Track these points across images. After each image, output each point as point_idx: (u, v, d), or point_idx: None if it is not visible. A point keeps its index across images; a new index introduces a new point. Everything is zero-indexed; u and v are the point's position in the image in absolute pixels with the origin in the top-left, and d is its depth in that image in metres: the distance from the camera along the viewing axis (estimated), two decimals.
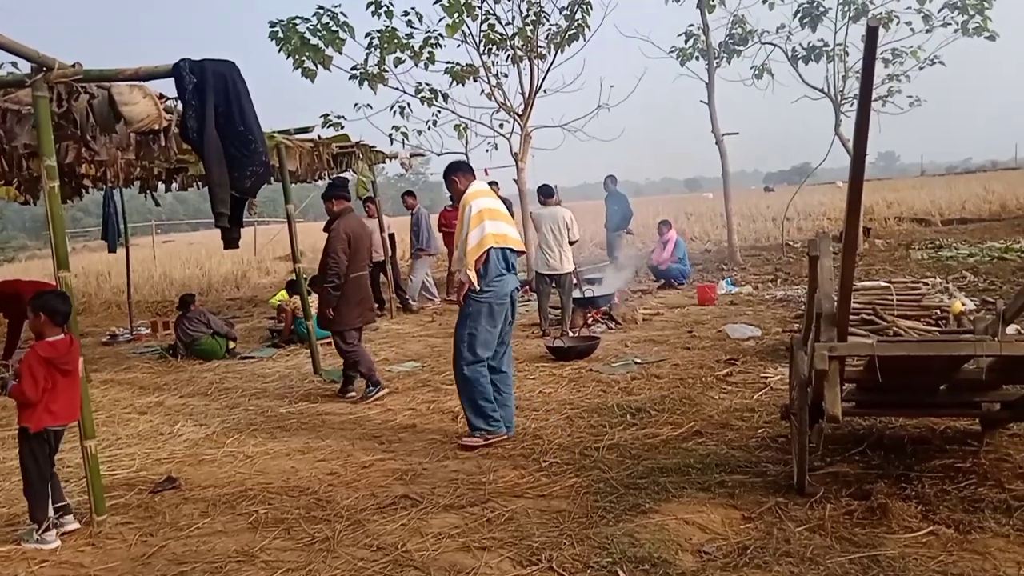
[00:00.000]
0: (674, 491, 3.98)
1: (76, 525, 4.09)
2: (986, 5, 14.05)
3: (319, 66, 11.81)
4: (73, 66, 4.05)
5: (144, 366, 8.96)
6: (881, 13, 14.50)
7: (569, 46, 12.66)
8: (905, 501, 3.59)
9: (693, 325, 8.95)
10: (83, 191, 9.45)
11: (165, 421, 6.35)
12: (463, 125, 13.23)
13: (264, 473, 4.86)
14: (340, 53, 11.86)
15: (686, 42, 15.48)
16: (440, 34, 12.16)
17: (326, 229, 6.67)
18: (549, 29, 12.69)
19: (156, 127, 4.51)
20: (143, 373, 8.56)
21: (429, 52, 12.27)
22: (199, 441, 5.70)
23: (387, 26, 12.02)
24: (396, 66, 12.33)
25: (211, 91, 4.15)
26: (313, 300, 8.13)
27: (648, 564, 3.21)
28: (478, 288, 5.02)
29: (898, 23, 14.70)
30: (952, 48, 15.34)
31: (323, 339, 8.03)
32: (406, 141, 12.95)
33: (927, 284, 4.63)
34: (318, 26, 11.60)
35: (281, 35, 11.60)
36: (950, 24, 14.42)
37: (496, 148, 13.47)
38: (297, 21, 11.60)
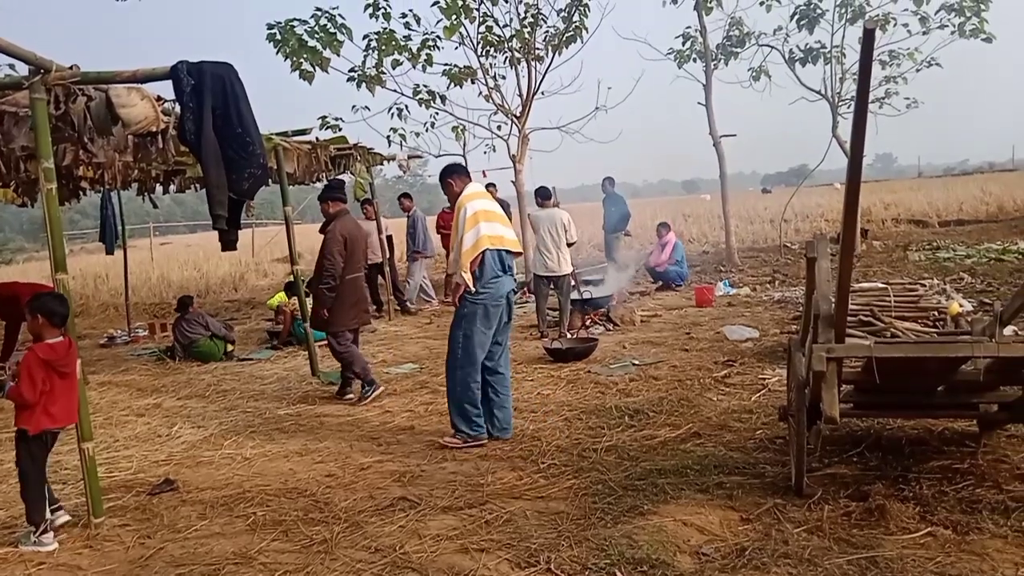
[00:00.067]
0: (672, 493, 3.99)
1: (67, 517, 4.12)
2: (983, 7, 14.09)
3: (317, 68, 11.79)
4: (71, 68, 4.05)
5: (142, 368, 8.94)
6: (878, 15, 14.54)
7: (567, 48, 12.69)
8: (903, 502, 3.59)
9: (691, 327, 8.96)
10: (81, 193, 9.47)
11: (163, 423, 6.34)
12: (461, 127, 13.25)
13: (262, 475, 4.85)
14: (338, 55, 11.86)
15: (683, 44, 15.48)
16: (438, 36, 12.18)
17: (322, 231, 6.71)
18: (547, 31, 12.71)
19: (154, 129, 4.51)
20: (141, 375, 8.55)
21: (427, 54, 12.28)
22: (197, 443, 5.69)
23: (385, 28, 12.02)
24: (394, 68, 12.36)
25: (209, 93, 4.16)
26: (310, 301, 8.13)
27: (646, 566, 3.22)
28: (473, 290, 5.04)
29: (895, 25, 14.76)
30: (949, 50, 15.47)
31: (321, 341, 8.02)
32: (404, 143, 12.99)
33: (924, 285, 4.63)
34: (316, 28, 11.57)
35: (279, 37, 11.57)
36: (947, 26, 14.48)
37: (494, 150, 13.53)
38: (295, 23, 11.57)
